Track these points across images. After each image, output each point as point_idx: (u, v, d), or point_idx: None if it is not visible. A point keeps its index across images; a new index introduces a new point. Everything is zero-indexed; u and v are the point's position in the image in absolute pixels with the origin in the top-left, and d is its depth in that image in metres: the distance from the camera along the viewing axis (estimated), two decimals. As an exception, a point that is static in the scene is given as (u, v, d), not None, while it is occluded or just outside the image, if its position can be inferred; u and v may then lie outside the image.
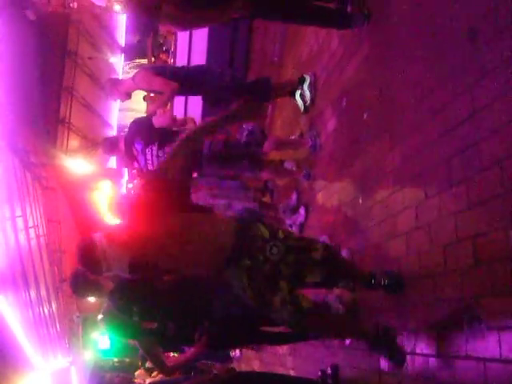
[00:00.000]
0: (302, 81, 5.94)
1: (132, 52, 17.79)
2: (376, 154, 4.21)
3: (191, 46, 9.86)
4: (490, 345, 2.65)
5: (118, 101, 6.78)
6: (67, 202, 12.44)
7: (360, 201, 4.48)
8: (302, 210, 6.01)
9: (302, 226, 5.99)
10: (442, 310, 3.11)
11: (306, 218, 5.92)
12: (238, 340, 5.33)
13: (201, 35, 9.42)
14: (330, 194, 5.25)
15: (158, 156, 5.39)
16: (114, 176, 12.83)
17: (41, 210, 9.97)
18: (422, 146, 3.49)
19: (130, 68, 17.02)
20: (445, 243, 3.14)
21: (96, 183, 12.37)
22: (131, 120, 6.07)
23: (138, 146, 5.51)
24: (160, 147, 5.39)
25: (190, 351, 5.22)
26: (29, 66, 8.85)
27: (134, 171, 6.10)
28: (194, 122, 6.50)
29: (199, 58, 9.29)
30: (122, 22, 17.00)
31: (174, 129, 5.97)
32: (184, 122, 6.55)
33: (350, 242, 4.60)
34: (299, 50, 6.87)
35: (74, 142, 12.23)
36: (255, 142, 5.87)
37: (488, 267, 2.72)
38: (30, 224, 9.29)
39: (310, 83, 5.87)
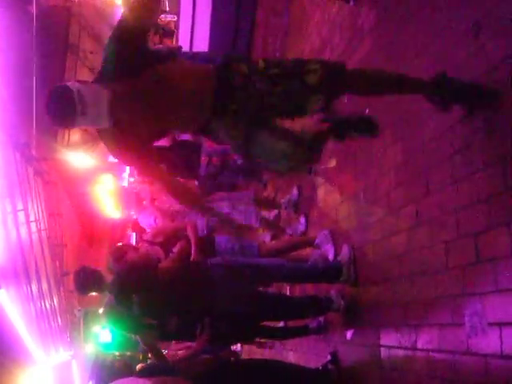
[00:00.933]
0: None
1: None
2: (378, 149, 4.20)
3: (192, 41, 9.85)
4: (491, 341, 2.65)
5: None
6: (68, 196, 12.45)
7: (361, 196, 4.48)
8: (302, 219, 6.00)
9: (302, 235, 5.98)
10: (443, 306, 3.11)
11: (307, 227, 5.91)
12: (240, 335, 5.35)
13: (203, 30, 9.40)
14: (331, 189, 5.24)
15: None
16: (116, 170, 12.83)
17: (42, 204, 9.96)
18: (425, 142, 3.48)
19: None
20: (446, 239, 3.13)
21: (97, 177, 12.37)
22: None
23: None
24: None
25: (191, 347, 5.26)
26: (30, 59, 8.83)
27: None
28: None
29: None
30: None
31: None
32: None
33: (351, 238, 4.60)
34: (301, 44, 6.86)
35: (76, 135, 12.22)
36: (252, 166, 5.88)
37: (489, 263, 2.72)
38: (32, 218, 9.29)
39: None
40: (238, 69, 2.94)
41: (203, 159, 5.91)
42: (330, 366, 4.57)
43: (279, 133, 3.01)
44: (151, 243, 5.11)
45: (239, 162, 5.99)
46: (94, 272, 4.52)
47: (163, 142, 5.82)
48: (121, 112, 2.79)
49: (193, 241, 4.74)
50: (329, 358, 4.67)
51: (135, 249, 4.91)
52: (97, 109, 2.66)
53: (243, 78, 2.92)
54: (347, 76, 3.02)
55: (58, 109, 2.63)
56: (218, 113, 2.95)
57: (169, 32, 17.48)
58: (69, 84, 2.63)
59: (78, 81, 2.70)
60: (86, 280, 4.49)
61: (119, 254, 4.67)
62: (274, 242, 6.61)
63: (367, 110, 4.31)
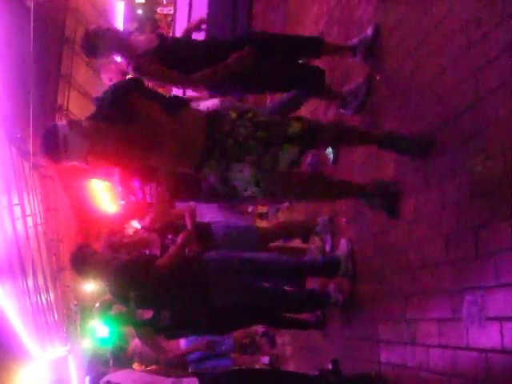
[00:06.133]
0: None
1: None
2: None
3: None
4: (491, 335, 2.63)
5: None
6: (65, 190, 12.41)
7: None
8: None
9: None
10: (442, 300, 3.09)
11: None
12: (239, 323, 5.32)
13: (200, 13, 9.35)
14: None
15: (157, 191, 5.33)
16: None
17: (38, 198, 9.93)
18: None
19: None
20: (446, 234, 3.11)
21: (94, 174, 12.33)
22: None
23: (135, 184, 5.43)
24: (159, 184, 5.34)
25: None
26: (26, 53, 8.79)
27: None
28: None
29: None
30: (120, 10, 16.91)
31: None
32: None
33: (349, 232, 4.58)
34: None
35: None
36: None
37: (490, 256, 2.70)
38: (28, 212, 9.27)
39: None
40: (229, 116, 3.24)
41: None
42: (330, 378, 4.54)
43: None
44: (149, 230, 5.08)
45: None
46: (92, 258, 4.48)
47: None
48: (110, 148, 3.20)
49: (190, 228, 4.70)
50: (330, 366, 4.64)
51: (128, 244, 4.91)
52: (77, 154, 3.13)
53: (231, 124, 3.20)
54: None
55: (46, 149, 3.16)
56: (205, 159, 3.24)
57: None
58: (59, 127, 3.12)
59: (70, 122, 3.18)
60: (85, 266, 4.45)
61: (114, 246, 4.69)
62: (273, 225, 6.51)
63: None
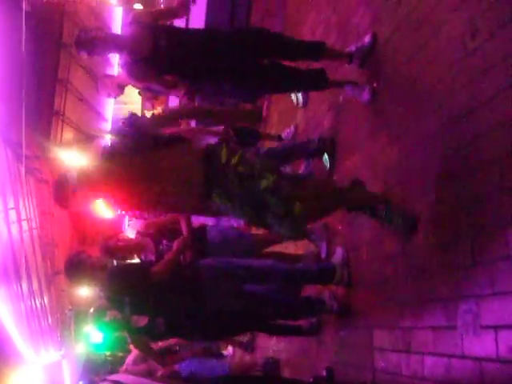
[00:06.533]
0: None
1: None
2: (375, 148, 4.18)
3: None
4: (486, 344, 2.63)
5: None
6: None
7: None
8: None
9: None
10: (437, 308, 3.09)
11: None
12: (233, 330, 5.31)
13: (198, 24, 9.37)
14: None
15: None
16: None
17: (34, 202, 9.91)
18: (421, 141, 3.46)
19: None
20: (442, 242, 3.11)
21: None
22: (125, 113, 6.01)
23: None
24: None
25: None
26: (23, 57, 8.77)
27: None
28: None
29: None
30: (118, 15, 16.91)
31: None
32: None
33: (345, 238, 4.57)
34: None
35: (68, 134, 12.15)
36: None
37: (486, 266, 2.70)
38: (23, 216, 9.24)
39: None
40: (221, 158, 3.27)
41: None
42: None
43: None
44: (143, 234, 5.07)
45: None
46: (87, 266, 4.49)
47: None
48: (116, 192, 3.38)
49: (185, 233, 4.69)
50: (324, 373, 4.63)
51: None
52: (87, 203, 3.63)
53: (221, 168, 3.26)
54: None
55: (58, 199, 3.54)
56: (207, 193, 3.30)
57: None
58: (69, 179, 3.40)
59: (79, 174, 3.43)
60: (79, 273, 4.47)
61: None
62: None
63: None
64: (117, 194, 3.40)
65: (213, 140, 5.05)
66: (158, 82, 4.89)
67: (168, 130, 5.37)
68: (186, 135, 3.87)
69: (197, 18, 9.41)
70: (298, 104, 6.31)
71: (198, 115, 4.57)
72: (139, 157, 3.30)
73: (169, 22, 4.78)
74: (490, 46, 2.81)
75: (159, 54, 4.26)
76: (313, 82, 4.66)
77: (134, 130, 3.43)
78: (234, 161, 3.25)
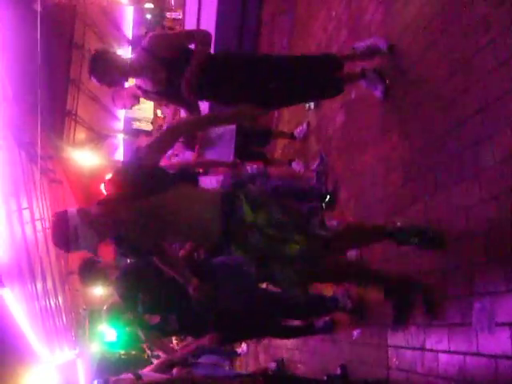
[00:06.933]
0: None
1: (139, 44, 17.76)
2: (385, 147, 4.17)
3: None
4: (501, 341, 2.61)
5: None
6: (73, 194, 12.44)
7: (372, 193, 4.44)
8: None
9: None
10: (452, 306, 3.07)
11: None
12: (245, 333, 5.32)
13: (209, 27, 9.37)
14: (339, 186, 5.20)
15: None
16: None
17: (47, 202, 9.95)
18: (433, 139, 3.45)
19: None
20: (456, 238, 3.10)
21: (103, 175, 12.36)
22: (138, 113, 6.05)
23: None
24: None
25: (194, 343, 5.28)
26: (35, 58, 8.82)
27: None
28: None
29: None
30: (129, 15, 16.95)
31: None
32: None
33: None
34: (307, 42, 6.82)
35: (81, 134, 12.22)
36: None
37: (500, 263, 2.68)
38: (37, 216, 9.29)
39: None
40: (244, 215, 3.03)
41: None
42: (338, 383, 4.52)
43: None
44: None
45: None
46: (99, 268, 4.53)
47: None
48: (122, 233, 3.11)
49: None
50: (338, 371, 4.62)
51: None
52: (88, 246, 3.06)
53: (245, 227, 3.03)
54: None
55: (57, 239, 3.05)
56: (222, 246, 3.16)
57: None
58: (69, 217, 2.98)
59: (80, 212, 2.99)
60: (93, 275, 4.52)
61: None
62: None
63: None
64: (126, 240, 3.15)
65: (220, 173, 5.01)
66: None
67: (173, 165, 5.35)
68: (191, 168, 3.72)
69: (208, 14, 9.43)
70: (309, 108, 6.32)
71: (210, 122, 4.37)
72: (146, 200, 3.01)
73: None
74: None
75: (174, 85, 4.18)
76: (329, 92, 4.56)
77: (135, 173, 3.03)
78: (260, 221, 3.02)
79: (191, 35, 4.35)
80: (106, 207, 3.01)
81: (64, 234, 2.97)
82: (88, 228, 2.95)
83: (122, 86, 5.16)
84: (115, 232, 3.08)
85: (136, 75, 4.32)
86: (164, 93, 4.36)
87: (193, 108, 4.44)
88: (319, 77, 4.30)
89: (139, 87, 4.39)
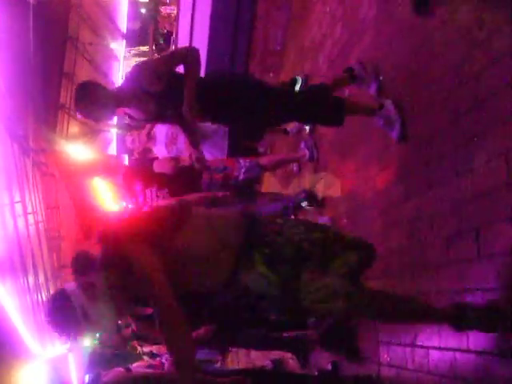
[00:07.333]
0: (293, 82, 5.89)
1: (134, 38, 17.73)
2: (379, 145, 4.17)
3: (192, 34, 9.79)
4: (491, 339, 2.61)
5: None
6: (66, 188, 12.39)
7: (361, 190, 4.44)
8: None
9: None
10: (443, 302, 3.07)
11: None
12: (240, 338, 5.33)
13: (202, 23, 9.36)
14: (332, 184, 5.20)
15: (157, 196, 5.37)
16: (114, 163, 12.79)
17: (40, 196, 9.91)
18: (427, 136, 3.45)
19: (131, 55, 16.99)
20: (447, 235, 3.09)
21: (95, 169, 12.34)
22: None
23: (137, 187, 5.48)
24: (159, 189, 5.39)
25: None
26: (28, 51, 8.76)
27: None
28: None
29: (200, 46, 9.21)
30: (123, 8, 16.89)
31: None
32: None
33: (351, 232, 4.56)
34: (302, 37, 6.82)
35: (74, 128, 12.17)
36: (253, 179, 5.88)
37: (491, 259, 2.68)
38: (29, 210, 9.25)
39: (301, 85, 5.83)
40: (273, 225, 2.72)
41: (205, 177, 5.83)
42: (330, 379, 4.52)
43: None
44: None
45: (241, 177, 5.93)
46: (91, 260, 4.51)
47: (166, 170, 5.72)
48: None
49: None
50: (329, 367, 4.62)
51: None
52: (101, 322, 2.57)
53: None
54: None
55: (60, 329, 2.55)
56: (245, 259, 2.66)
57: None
58: (71, 296, 2.49)
59: (83, 286, 2.52)
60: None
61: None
62: None
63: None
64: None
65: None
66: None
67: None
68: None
69: (202, 10, 9.40)
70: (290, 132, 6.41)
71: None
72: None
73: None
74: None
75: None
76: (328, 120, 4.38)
77: None
78: (274, 278, 2.63)
79: (180, 59, 4.09)
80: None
81: (71, 318, 2.47)
82: (95, 300, 2.50)
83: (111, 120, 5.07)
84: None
85: (124, 106, 4.21)
86: (154, 119, 4.34)
87: (190, 126, 4.35)
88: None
89: (129, 116, 4.30)
